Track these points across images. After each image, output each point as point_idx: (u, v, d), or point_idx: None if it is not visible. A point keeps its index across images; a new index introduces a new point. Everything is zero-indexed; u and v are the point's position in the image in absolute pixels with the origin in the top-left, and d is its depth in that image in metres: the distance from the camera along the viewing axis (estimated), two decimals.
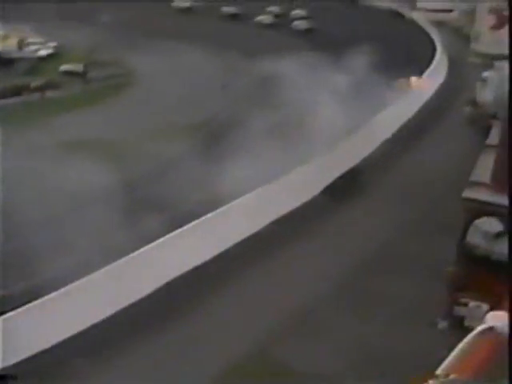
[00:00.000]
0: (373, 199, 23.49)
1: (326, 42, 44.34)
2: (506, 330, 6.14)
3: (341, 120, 25.98)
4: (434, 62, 39.72)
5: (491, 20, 43.02)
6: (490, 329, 6.26)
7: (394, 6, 62.82)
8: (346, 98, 27.58)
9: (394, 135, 29.88)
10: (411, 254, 19.24)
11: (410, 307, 16.60)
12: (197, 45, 48.81)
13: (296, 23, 60.45)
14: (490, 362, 5.90)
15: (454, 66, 41.80)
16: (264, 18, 63.18)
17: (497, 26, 42.87)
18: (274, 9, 65.67)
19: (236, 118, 30.26)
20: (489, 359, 5.94)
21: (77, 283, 16.22)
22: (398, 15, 61.01)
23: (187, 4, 69.45)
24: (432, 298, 15.73)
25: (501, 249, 15.02)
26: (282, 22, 61.91)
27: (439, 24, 52.93)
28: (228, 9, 66.38)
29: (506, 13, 19.35)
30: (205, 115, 34.27)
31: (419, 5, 62.26)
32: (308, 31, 57.34)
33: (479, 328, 6.25)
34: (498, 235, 15.20)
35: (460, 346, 6.00)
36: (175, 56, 46.55)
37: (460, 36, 49.20)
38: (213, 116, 34.51)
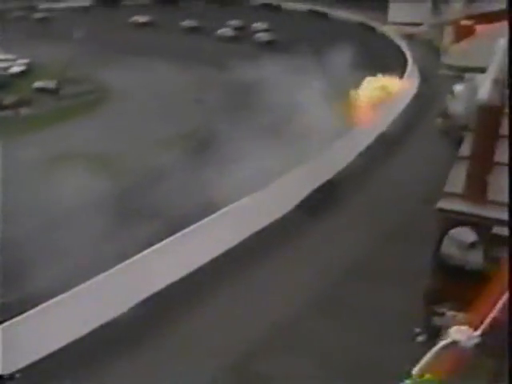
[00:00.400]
0: (348, 212, 23.67)
1: (289, 53, 44.93)
2: (469, 344, 6.18)
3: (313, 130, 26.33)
4: (406, 75, 40.28)
5: (451, 34, 43.73)
6: (454, 343, 6.25)
7: (365, 19, 63.70)
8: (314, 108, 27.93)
9: (367, 148, 30.17)
10: (388, 266, 19.42)
11: (388, 319, 16.73)
12: (164, 59, 49.40)
13: (258, 35, 61.70)
14: (453, 375, 5.94)
15: (426, 78, 42.42)
16: (225, 31, 64.40)
17: (456, 40, 43.58)
18: (234, 22, 66.91)
19: (215, 130, 30.59)
20: (451, 373, 5.97)
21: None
22: (370, 28, 61.89)
23: (145, 19, 70.35)
24: (410, 309, 15.89)
25: (475, 258, 15.28)
26: (243, 34, 63.30)
27: (410, 37, 53.78)
28: (188, 22, 67.72)
29: (466, 23, 19.81)
30: (177, 129, 34.27)
31: (390, 18, 63.22)
32: (270, 43, 58.41)
33: (442, 342, 6.24)
34: (472, 245, 15.44)
35: (423, 361, 5.99)
36: (146, 71, 46.88)
37: (430, 49, 49.91)
38: (188, 130, 34.49)
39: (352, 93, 34.68)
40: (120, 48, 54.09)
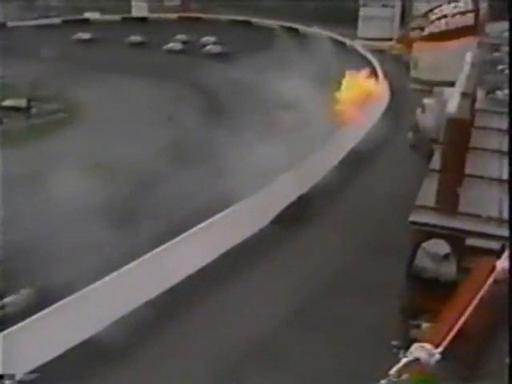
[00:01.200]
0: (323, 227, 23.77)
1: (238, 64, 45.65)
2: (430, 361, 6.16)
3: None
4: (376, 89, 40.84)
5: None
6: (416, 360, 6.21)
7: (335, 34, 64.52)
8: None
9: (340, 162, 30.43)
10: (364, 279, 19.54)
11: (364, 332, 16.81)
12: (118, 74, 49.33)
13: (208, 48, 63.71)
14: None
15: (396, 92, 43.05)
16: (174, 46, 65.83)
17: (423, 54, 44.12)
18: (181, 37, 68.17)
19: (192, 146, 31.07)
20: None
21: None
22: (339, 43, 62.65)
23: (87, 36, 71.16)
24: (386, 322, 15.98)
25: (448, 270, 15.48)
26: (191, 48, 64.93)
27: (380, 52, 54.63)
28: (134, 38, 68.69)
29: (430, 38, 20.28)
30: (153, 143, 34.20)
31: (360, 34, 64.19)
32: (220, 55, 60.14)
33: (404, 360, 6.20)
34: (445, 257, 15.64)
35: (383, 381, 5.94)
36: (110, 87, 46.82)
37: (400, 63, 50.68)
38: (164, 144, 34.40)
39: (315, 108, 34.99)
40: (79, 65, 54.47)
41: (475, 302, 7.52)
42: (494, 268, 9.16)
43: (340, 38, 61.63)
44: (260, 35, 60.69)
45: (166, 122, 38.04)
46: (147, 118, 39.06)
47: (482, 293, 7.74)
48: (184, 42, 67.06)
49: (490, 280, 8.06)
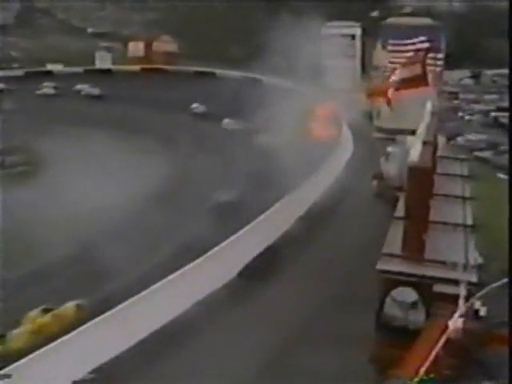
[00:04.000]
0: (290, 278, 23.73)
1: None
2: None
3: None
4: (341, 139, 41.60)
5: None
6: None
7: (296, 85, 65.81)
8: None
9: (306, 212, 30.63)
10: (333, 330, 19.45)
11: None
12: (80, 127, 49.70)
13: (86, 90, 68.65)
14: None
15: (360, 141, 43.87)
16: (46, 91, 69.57)
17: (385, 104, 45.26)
18: (49, 83, 71.23)
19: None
20: None
21: None
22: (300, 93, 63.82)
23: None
24: (357, 373, 15.89)
25: (417, 318, 15.57)
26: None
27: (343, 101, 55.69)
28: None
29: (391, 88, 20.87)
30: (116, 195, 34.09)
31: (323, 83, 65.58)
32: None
33: None
34: (414, 305, 15.75)
35: None
36: (73, 140, 46.78)
37: (363, 113, 51.81)
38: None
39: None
40: (43, 118, 54.68)
41: (429, 359, 7.62)
42: (446, 327, 9.34)
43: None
44: (223, 88, 61.65)
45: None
46: (109, 170, 38.91)
47: (434, 352, 7.84)
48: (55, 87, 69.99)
49: (443, 339, 8.22)
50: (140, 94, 64.02)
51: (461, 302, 13.29)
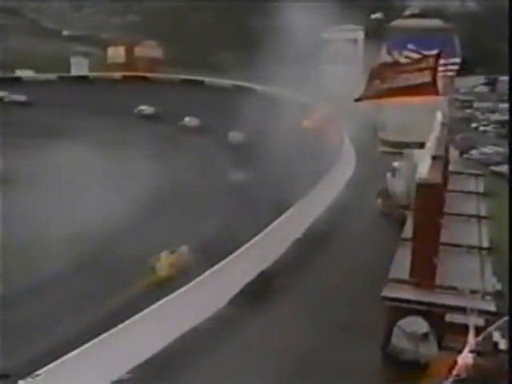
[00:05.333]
0: (286, 306, 23.62)
1: None
2: None
3: None
4: (342, 154, 41.70)
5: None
6: None
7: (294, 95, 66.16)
8: None
9: (305, 234, 30.60)
10: (333, 364, 19.33)
11: None
12: (53, 139, 49.41)
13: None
14: None
15: (363, 156, 43.95)
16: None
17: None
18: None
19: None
20: None
21: None
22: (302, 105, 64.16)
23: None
24: None
25: (428, 350, 15.48)
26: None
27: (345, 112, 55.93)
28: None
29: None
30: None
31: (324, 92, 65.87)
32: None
33: None
34: (425, 336, 15.67)
35: None
36: (45, 153, 46.69)
37: (367, 125, 52.00)
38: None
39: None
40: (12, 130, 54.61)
41: None
42: (455, 363, 9.27)
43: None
44: (214, 97, 61.90)
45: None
46: (83, 185, 39.01)
47: None
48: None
49: (452, 376, 8.15)
50: (121, 105, 64.10)
51: (471, 334, 13.19)
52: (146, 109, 66.67)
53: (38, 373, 17.23)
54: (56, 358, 17.92)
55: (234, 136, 53.52)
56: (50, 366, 17.79)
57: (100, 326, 20.00)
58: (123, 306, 23.46)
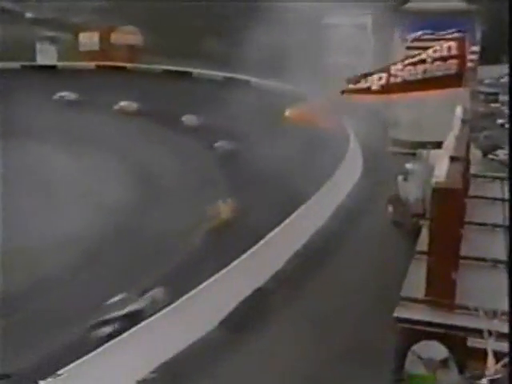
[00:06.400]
0: (283, 328, 23.62)
1: None
2: None
3: None
4: (348, 155, 41.68)
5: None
6: None
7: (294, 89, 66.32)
8: None
9: (305, 246, 30.58)
10: None
11: None
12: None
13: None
14: None
15: (371, 157, 43.96)
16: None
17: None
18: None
19: None
20: None
21: None
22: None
23: None
24: None
25: (448, 379, 15.43)
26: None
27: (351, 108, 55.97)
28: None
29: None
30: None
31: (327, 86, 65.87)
32: None
33: None
34: (444, 362, 15.62)
35: None
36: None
37: (376, 121, 52.05)
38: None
39: None
40: None
41: None
42: None
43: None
44: (204, 92, 61.81)
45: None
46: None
47: None
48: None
49: None
50: (95, 99, 63.96)
51: (490, 361, 13.14)
52: (128, 105, 66.45)
53: (59, 372, 18.79)
54: None
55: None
56: (71, 365, 19.36)
57: None
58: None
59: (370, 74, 20.17)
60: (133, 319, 23.09)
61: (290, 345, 22.22)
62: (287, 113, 44.14)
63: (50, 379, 18.58)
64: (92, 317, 24.59)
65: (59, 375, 18.82)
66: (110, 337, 21.78)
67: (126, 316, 24.14)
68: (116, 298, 25.41)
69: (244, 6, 69.28)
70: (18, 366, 21.70)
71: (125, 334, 21.42)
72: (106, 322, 23.92)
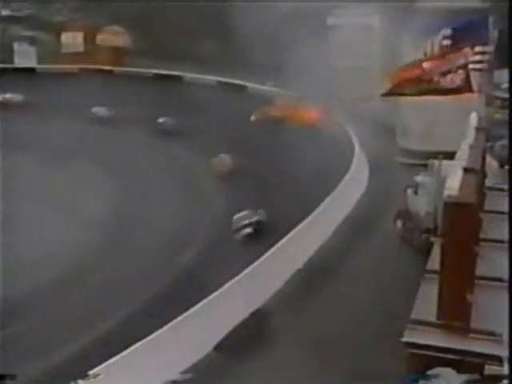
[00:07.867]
0: (284, 352, 23.59)
1: None
2: None
3: None
4: (353, 166, 41.72)
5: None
6: None
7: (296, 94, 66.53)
8: None
9: (306, 265, 30.57)
10: None
11: None
12: None
13: None
14: None
15: (378, 169, 43.96)
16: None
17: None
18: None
19: None
20: None
21: None
22: None
23: None
24: None
25: None
26: None
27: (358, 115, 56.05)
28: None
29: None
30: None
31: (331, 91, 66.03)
32: None
33: None
34: None
35: None
36: None
37: (383, 129, 52.12)
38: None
39: None
40: None
41: None
42: None
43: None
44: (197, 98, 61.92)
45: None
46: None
47: None
48: None
49: None
50: (79, 108, 63.90)
51: None
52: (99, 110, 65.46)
53: (96, 372, 19.79)
54: None
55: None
56: (102, 365, 20.24)
57: None
58: None
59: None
60: (259, 225, 35.61)
61: (289, 370, 22.20)
62: (252, 117, 47.55)
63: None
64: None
65: (98, 375, 19.64)
66: (250, 236, 34.85)
67: (256, 222, 35.84)
68: (242, 213, 36.34)
69: (244, 6, 69.51)
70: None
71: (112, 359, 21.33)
72: (245, 226, 35.49)
